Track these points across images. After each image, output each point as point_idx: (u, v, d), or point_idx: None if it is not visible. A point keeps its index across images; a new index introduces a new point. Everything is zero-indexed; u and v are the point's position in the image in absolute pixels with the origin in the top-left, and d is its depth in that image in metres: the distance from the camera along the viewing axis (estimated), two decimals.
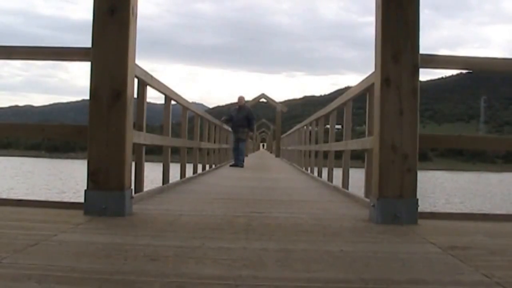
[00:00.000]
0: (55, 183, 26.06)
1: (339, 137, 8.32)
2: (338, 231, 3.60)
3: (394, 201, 3.81)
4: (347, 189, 6.89)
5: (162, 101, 7.27)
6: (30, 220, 3.55)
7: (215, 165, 14.28)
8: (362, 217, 4.20)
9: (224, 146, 16.71)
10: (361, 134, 9.26)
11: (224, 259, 2.58)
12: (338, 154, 8.24)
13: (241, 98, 14.66)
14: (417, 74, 3.88)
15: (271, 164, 19.22)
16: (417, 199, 3.85)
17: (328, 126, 9.41)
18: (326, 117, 9.66)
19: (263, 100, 35.17)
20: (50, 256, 2.52)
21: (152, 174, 11.15)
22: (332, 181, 8.48)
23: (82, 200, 3.88)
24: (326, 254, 2.79)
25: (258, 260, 2.56)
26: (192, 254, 2.68)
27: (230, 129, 15.11)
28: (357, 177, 8.73)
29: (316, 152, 11.12)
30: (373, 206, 3.91)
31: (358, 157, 8.00)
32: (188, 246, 2.88)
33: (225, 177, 10.28)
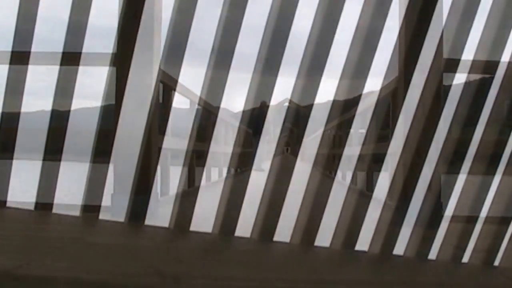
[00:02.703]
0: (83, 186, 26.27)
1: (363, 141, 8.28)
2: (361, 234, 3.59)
3: (418, 204, 3.79)
4: (371, 192, 6.86)
5: (187, 106, 7.34)
6: (56, 223, 3.62)
7: (240, 169, 14.30)
8: (385, 220, 4.17)
9: (248, 150, 16.71)
10: (384, 138, 9.22)
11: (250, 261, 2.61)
12: (362, 158, 8.21)
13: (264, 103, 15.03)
14: (440, 78, 3.86)
15: (295, 168, 19.13)
16: (442, 203, 3.83)
17: (351, 130, 9.39)
18: (350, 121, 9.63)
19: (286, 104, 35.17)
20: (77, 258, 2.57)
21: (177, 178, 11.21)
22: (356, 184, 8.45)
23: (109, 203, 3.94)
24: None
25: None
26: (219, 256, 2.71)
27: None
28: (380, 180, 8.69)
29: (340, 156, 11.09)
30: (397, 209, 3.89)
31: (380, 161, 7.95)
32: (214, 249, 2.91)
33: (250, 182, 10.28)
